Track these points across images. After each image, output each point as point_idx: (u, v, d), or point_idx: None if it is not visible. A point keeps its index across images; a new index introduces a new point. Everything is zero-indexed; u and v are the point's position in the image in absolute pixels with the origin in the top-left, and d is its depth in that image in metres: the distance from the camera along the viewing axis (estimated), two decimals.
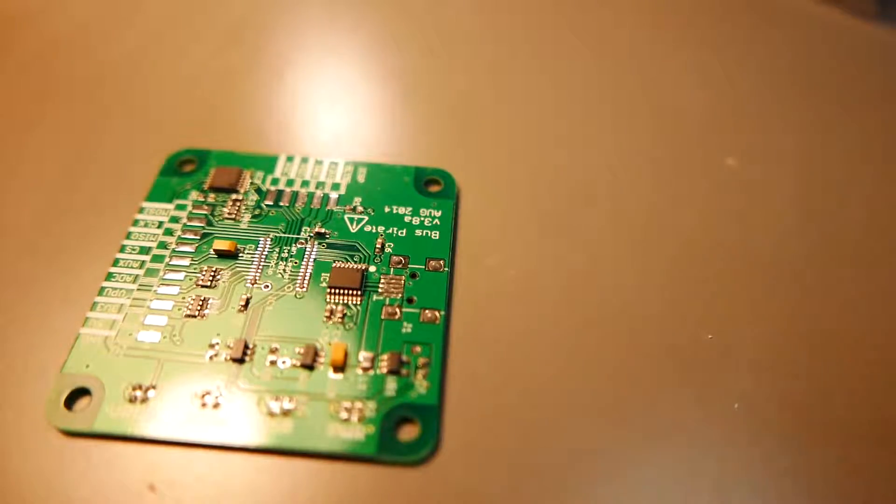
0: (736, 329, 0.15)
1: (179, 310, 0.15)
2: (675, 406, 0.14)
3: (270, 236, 0.16)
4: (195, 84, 0.21)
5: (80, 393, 0.14)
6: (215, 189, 0.17)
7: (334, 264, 0.16)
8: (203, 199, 0.17)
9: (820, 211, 0.18)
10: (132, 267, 0.16)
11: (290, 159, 0.18)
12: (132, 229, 0.16)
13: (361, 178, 0.18)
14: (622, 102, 0.21)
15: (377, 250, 0.16)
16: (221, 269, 0.16)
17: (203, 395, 0.14)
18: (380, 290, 0.15)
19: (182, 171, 0.18)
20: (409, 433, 0.13)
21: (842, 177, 0.19)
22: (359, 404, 0.14)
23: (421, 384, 0.14)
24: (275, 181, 0.18)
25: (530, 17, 0.24)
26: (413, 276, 0.16)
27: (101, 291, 0.15)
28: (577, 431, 0.14)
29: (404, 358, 0.14)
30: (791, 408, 0.14)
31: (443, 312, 0.15)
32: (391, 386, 0.14)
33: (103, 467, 0.13)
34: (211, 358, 0.14)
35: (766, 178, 0.19)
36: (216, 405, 0.13)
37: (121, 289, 0.15)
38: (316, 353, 0.14)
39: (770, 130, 0.20)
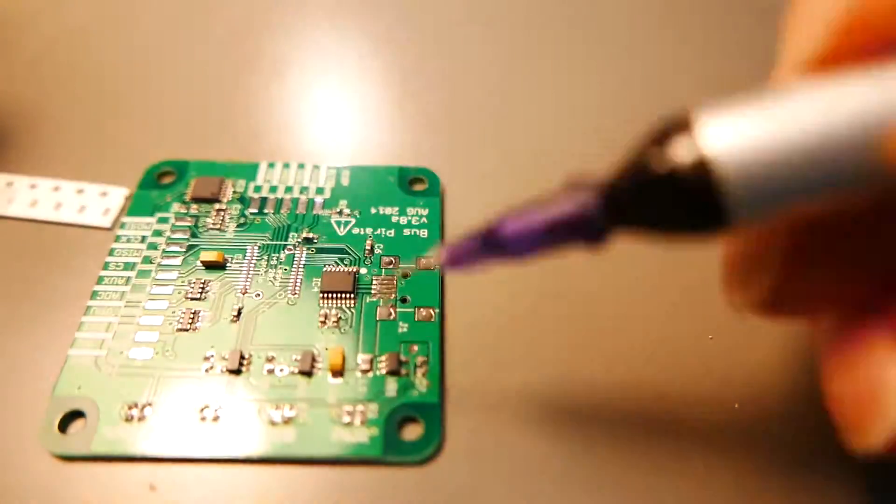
0: (736, 329, 0.15)
1: (170, 324, 0.15)
2: (675, 406, 0.14)
3: (258, 245, 0.16)
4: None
5: (74, 416, 0.13)
6: (197, 200, 0.17)
7: (325, 269, 0.16)
8: (185, 211, 0.17)
9: None
10: (117, 284, 0.15)
11: (271, 165, 0.18)
12: (115, 245, 0.16)
13: (345, 181, 0.18)
14: (611, 101, 0.21)
15: (367, 252, 0.16)
16: (210, 281, 0.15)
17: (202, 409, 0.13)
18: (373, 292, 0.15)
19: (161, 183, 0.17)
20: (412, 433, 0.13)
21: None
22: (360, 407, 0.14)
23: (421, 383, 0.14)
24: (257, 188, 0.17)
25: (516, 15, 0.24)
26: (405, 275, 0.16)
27: (87, 311, 0.15)
28: (579, 421, 0.14)
29: (402, 358, 0.14)
30: (791, 407, 0.14)
31: (437, 310, 0.15)
32: (391, 387, 0.14)
33: (102, 487, 0.13)
34: (207, 371, 0.14)
35: None
36: (216, 418, 0.13)
37: (107, 307, 0.15)
38: (313, 359, 0.14)
39: None
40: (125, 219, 0.17)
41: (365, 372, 0.14)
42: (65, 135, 0.19)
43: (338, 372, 0.14)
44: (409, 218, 0.17)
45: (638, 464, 0.13)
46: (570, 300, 0.16)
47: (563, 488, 0.13)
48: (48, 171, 0.18)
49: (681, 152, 0.08)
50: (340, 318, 0.15)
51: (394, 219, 0.17)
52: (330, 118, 0.20)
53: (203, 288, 0.15)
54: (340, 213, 0.17)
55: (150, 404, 0.13)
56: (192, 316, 0.15)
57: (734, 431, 0.14)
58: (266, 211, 0.17)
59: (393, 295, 0.15)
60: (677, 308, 0.16)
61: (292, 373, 0.14)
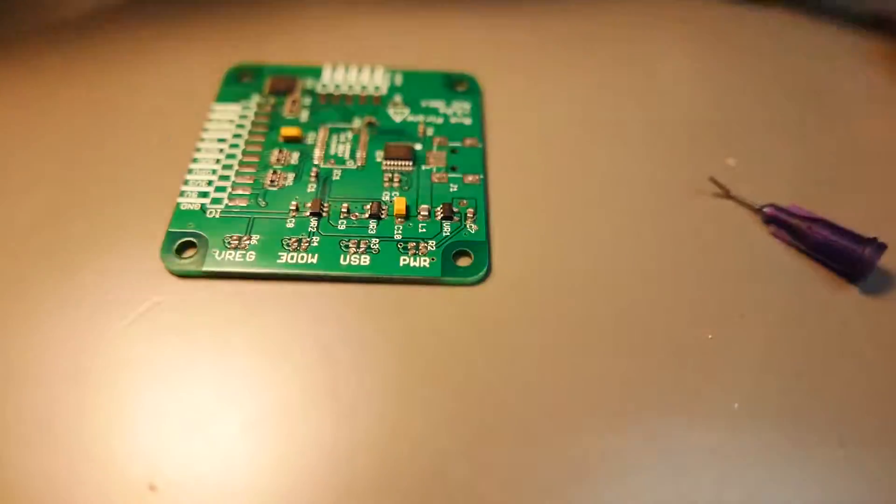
0: (736, 329, 0.16)
1: (259, 182, 0.18)
2: (675, 405, 0.14)
3: (328, 127, 0.19)
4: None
5: (186, 245, 0.16)
6: (274, 93, 0.20)
7: (387, 143, 0.19)
8: (264, 101, 0.20)
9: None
10: (213, 152, 0.18)
11: (334, 68, 0.21)
12: (207, 125, 0.19)
13: (399, 82, 0.21)
14: (620, 99, 0.21)
15: (420, 133, 0.19)
16: (291, 153, 0.18)
17: (292, 240, 0.16)
18: (428, 162, 0.18)
19: (242, 81, 0.20)
20: (465, 262, 0.16)
21: (841, 176, 0.19)
22: (422, 243, 0.16)
23: (471, 227, 0.17)
24: (324, 87, 0.20)
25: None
26: (453, 151, 0.19)
27: (189, 171, 0.18)
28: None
29: (455, 209, 0.17)
30: (791, 407, 0.14)
31: (482, 176, 0.18)
32: (446, 228, 0.17)
33: (103, 467, 0.13)
34: (293, 214, 0.17)
35: (766, 178, 0.19)
36: (305, 248, 0.16)
37: (206, 168, 0.18)
38: (380, 206, 0.17)
39: (771, 131, 0.20)
40: (215, 105, 0.19)
41: (424, 217, 0.17)
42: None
43: (402, 217, 0.17)
44: (455, 110, 0.20)
45: (634, 467, 0.14)
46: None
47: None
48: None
49: None
50: (402, 180, 0.18)
51: (442, 110, 0.20)
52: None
53: (286, 157, 0.18)
54: (396, 105, 0.20)
55: (249, 238, 0.16)
56: (276, 176, 0.18)
57: (734, 430, 0.14)
58: (332, 103, 0.20)
59: (444, 164, 0.18)
60: (677, 311, 0.16)
61: (364, 217, 0.17)
